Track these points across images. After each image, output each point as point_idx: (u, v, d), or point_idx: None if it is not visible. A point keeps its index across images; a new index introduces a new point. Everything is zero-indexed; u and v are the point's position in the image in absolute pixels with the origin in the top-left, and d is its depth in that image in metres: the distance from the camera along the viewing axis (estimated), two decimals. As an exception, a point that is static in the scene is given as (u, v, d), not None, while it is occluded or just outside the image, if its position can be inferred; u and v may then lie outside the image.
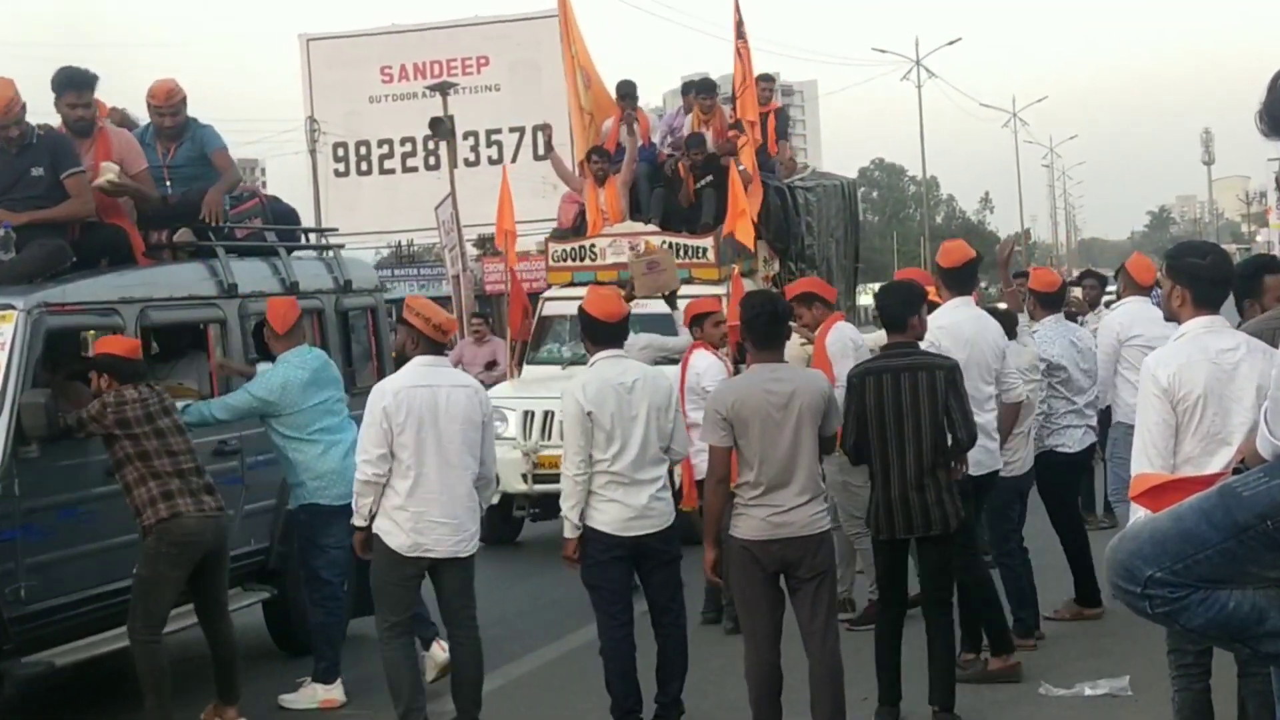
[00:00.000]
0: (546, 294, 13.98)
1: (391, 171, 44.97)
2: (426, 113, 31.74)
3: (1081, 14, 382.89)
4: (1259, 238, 77.79)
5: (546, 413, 12.19)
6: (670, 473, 6.95)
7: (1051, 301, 9.10)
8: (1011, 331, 8.18)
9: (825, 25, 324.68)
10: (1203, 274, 5.20)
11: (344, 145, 45.11)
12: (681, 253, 12.99)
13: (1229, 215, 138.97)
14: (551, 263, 13.87)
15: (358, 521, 6.80)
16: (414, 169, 43.57)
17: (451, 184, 24.12)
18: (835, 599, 6.56)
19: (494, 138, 42.39)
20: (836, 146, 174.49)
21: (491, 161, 42.23)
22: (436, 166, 39.96)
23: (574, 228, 14.00)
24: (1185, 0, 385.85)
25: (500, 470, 11.68)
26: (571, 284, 13.20)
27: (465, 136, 39.75)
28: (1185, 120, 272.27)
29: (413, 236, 47.91)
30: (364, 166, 45.40)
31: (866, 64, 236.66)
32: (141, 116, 9.22)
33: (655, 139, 14.51)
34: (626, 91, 14.35)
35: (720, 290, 12.01)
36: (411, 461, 6.61)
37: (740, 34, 14.40)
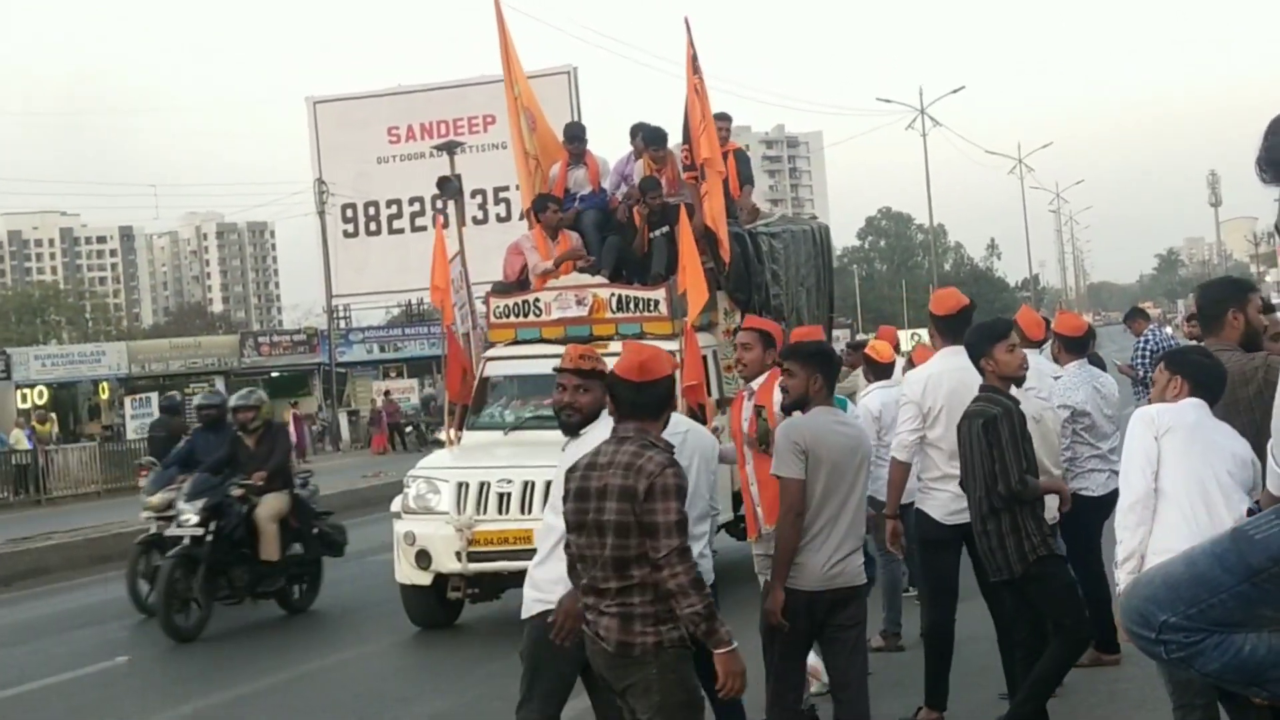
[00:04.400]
0: (488, 353, 12.64)
1: (400, 231, 45.22)
2: (434, 172, 31.71)
3: (1084, 60, 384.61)
4: (1268, 278, 77.71)
5: (482, 484, 11.08)
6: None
7: (1077, 346, 8.92)
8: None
9: (829, 76, 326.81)
10: (1206, 368, 5.56)
11: (353, 206, 45.39)
12: (632, 305, 12.07)
13: (1237, 256, 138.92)
14: (493, 319, 12.65)
15: None
16: (423, 228, 43.83)
17: (460, 242, 24.13)
18: (867, 649, 6.50)
19: (502, 195, 42.61)
20: (843, 196, 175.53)
21: (500, 219, 42.43)
22: (445, 225, 39.97)
23: (518, 281, 12.96)
24: (1188, 43, 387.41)
25: (432, 549, 11.03)
26: (515, 342, 12.32)
27: (473, 194, 39.95)
28: (1192, 162, 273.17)
29: (423, 295, 48.05)
30: (373, 227, 45.67)
31: (871, 114, 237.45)
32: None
33: (606, 184, 13.38)
34: (575, 134, 13.56)
35: (674, 345, 10.95)
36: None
37: (695, 69, 12.70)
